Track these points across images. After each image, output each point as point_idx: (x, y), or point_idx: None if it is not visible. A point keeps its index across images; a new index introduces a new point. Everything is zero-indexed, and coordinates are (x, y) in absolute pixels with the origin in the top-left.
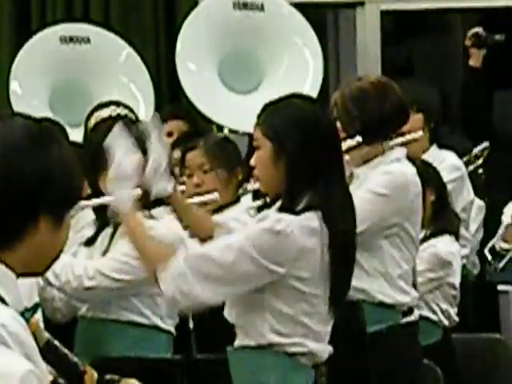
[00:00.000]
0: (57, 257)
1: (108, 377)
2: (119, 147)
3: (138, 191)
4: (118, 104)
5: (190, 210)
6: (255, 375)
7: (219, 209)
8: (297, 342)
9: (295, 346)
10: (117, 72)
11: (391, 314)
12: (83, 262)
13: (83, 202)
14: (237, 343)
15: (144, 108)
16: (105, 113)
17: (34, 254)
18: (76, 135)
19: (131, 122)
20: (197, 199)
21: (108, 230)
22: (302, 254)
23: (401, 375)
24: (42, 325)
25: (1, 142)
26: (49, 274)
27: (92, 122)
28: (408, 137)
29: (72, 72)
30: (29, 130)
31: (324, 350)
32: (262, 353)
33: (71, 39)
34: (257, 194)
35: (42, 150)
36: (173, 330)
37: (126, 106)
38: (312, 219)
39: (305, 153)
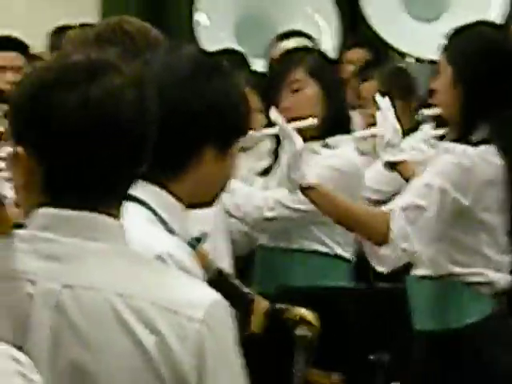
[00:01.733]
0: (224, 187)
1: (279, 306)
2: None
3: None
4: (301, 34)
5: None
6: (434, 305)
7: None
8: (476, 272)
9: (475, 275)
10: (301, 2)
11: None
12: (263, 193)
13: (255, 132)
14: (416, 272)
15: (328, 37)
16: (290, 43)
17: (199, 185)
18: (260, 66)
19: (312, 52)
20: (293, 124)
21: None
22: (485, 187)
23: None
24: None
25: (168, 72)
26: (230, 205)
27: (276, 53)
28: None
29: (257, 3)
30: (195, 61)
31: (504, 279)
32: (442, 282)
33: None
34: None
35: (207, 81)
36: (352, 257)
37: (309, 37)
38: (491, 153)
39: (483, 82)
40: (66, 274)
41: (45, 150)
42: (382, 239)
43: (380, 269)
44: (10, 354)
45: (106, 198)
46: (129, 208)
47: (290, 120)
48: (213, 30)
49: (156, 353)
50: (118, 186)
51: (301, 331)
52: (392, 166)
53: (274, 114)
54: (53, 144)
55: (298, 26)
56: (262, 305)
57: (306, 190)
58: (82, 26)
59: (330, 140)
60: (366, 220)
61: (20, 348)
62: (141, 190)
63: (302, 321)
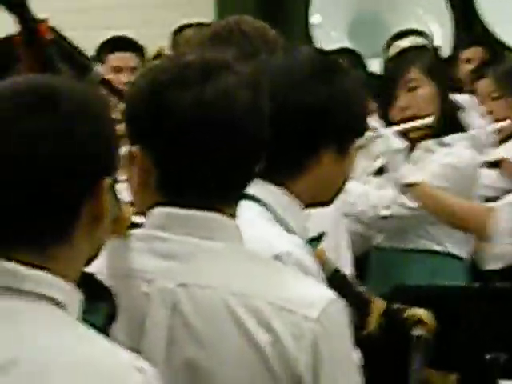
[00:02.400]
0: (342, 186)
1: (395, 306)
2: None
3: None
4: (417, 33)
5: None
6: None
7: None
8: None
9: None
10: (413, 2)
11: None
12: (378, 191)
13: (371, 133)
14: None
15: (440, 37)
16: (405, 43)
17: (318, 185)
18: (374, 66)
19: (427, 51)
20: (410, 123)
21: None
22: None
23: None
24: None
25: (286, 72)
26: (344, 204)
27: (391, 51)
28: None
29: (370, 4)
30: (314, 62)
31: None
32: None
33: None
34: None
35: (326, 82)
36: (468, 256)
37: (425, 35)
38: None
39: None
40: (182, 273)
41: (159, 149)
42: (480, 234)
43: (486, 267)
44: (135, 364)
45: (222, 197)
46: (247, 206)
47: (406, 119)
48: (326, 30)
49: (271, 351)
50: (232, 186)
51: (418, 331)
52: (492, 165)
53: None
54: (167, 144)
55: (410, 27)
56: (379, 305)
57: (407, 188)
58: (199, 25)
59: (445, 138)
60: (464, 215)
61: (137, 351)
62: (260, 188)
63: (419, 321)
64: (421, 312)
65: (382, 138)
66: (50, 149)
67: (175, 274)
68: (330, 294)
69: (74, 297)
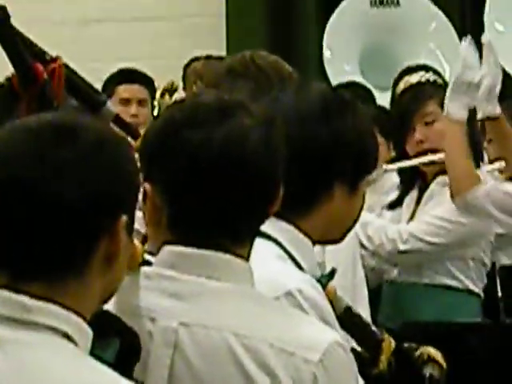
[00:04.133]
0: (353, 224)
1: (406, 345)
2: (468, 56)
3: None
4: (427, 69)
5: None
6: None
7: None
8: None
9: None
10: (425, 37)
11: None
12: (396, 225)
13: (388, 166)
14: None
15: (449, 74)
16: (414, 78)
17: (329, 222)
18: (383, 99)
19: (439, 87)
20: (426, 157)
21: (413, 194)
22: None
23: None
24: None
25: (298, 109)
26: (362, 237)
27: (401, 86)
28: None
29: (381, 35)
30: (324, 98)
31: None
32: None
33: (381, 2)
34: None
35: (336, 118)
36: (481, 293)
37: (435, 71)
38: None
39: None
40: (185, 313)
41: (169, 187)
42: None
43: None
44: None
45: (233, 237)
46: (259, 243)
47: (422, 152)
48: (339, 64)
49: None
50: (244, 226)
51: (429, 370)
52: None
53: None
54: (177, 182)
55: (421, 61)
56: (390, 343)
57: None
58: (208, 57)
59: None
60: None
61: None
62: (270, 226)
63: (430, 360)
64: (431, 350)
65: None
66: (67, 184)
67: (179, 313)
68: (333, 336)
69: (83, 331)
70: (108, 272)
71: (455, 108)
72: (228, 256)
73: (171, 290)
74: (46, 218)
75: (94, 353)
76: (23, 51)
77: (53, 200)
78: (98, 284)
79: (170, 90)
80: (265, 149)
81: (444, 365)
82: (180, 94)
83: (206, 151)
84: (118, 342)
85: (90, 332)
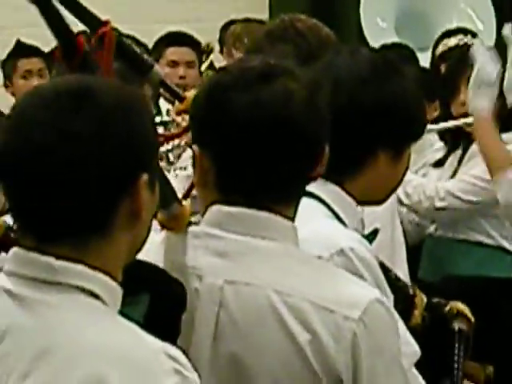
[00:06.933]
0: (397, 186)
1: (435, 300)
2: (482, 55)
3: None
4: (465, 32)
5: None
6: None
7: None
8: None
9: None
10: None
11: None
12: (434, 183)
13: (429, 126)
14: None
15: (484, 34)
16: (452, 41)
17: (374, 185)
18: (421, 60)
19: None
20: (470, 119)
21: (457, 153)
22: None
23: None
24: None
25: (348, 74)
26: (400, 194)
27: (440, 49)
28: None
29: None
30: (373, 63)
31: None
32: None
33: None
34: None
35: (385, 85)
36: None
37: (473, 34)
38: None
39: None
40: (230, 271)
41: (217, 149)
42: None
43: None
44: (166, 351)
45: (278, 197)
46: (308, 203)
47: (466, 114)
48: (376, 26)
49: (309, 350)
50: (289, 186)
51: (458, 324)
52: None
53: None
54: (224, 143)
55: (453, 20)
56: (422, 299)
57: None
58: (247, 20)
59: (502, 136)
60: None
61: (182, 350)
62: (318, 187)
63: (459, 314)
64: (460, 305)
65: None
66: (85, 147)
67: (224, 271)
68: (373, 293)
69: (110, 288)
70: (132, 229)
71: (480, 103)
72: (273, 216)
73: (217, 249)
74: (66, 180)
75: (124, 309)
76: (65, 24)
77: (71, 163)
78: (124, 241)
79: (206, 50)
80: (309, 110)
81: (472, 319)
82: (216, 56)
83: (251, 113)
84: (148, 298)
85: (118, 289)
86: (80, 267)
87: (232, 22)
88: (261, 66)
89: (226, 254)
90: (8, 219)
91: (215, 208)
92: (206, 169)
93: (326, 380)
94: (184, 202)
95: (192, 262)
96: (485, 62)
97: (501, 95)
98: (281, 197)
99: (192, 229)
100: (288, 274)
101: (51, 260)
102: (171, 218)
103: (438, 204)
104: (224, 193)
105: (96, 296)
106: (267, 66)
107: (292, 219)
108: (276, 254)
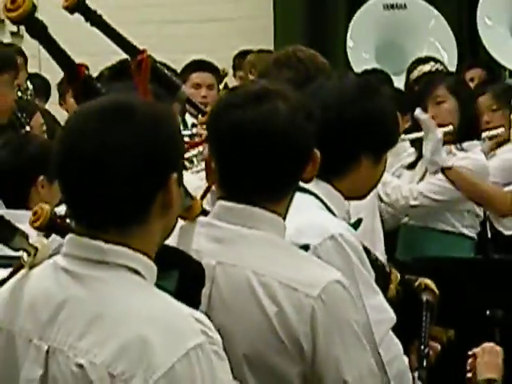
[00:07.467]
0: (376, 184)
1: (407, 276)
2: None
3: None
4: (434, 60)
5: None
6: None
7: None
8: None
9: None
10: (426, 32)
11: None
12: (409, 185)
13: (403, 136)
14: None
15: (448, 62)
16: (426, 67)
17: (357, 184)
18: (397, 82)
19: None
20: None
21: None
22: None
23: None
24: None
25: (337, 93)
26: (381, 194)
27: (415, 73)
28: None
29: (392, 31)
30: (358, 85)
31: None
32: None
33: (392, 6)
34: None
35: (369, 102)
36: (475, 236)
37: (441, 62)
38: None
39: None
40: (222, 254)
41: (218, 153)
42: (503, 211)
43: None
44: (194, 315)
45: (269, 195)
46: (303, 197)
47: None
48: (359, 53)
49: (276, 321)
50: (278, 187)
51: (426, 296)
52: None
53: (418, 111)
54: (222, 151)
55: (423, 50)
56: (396, 275)
57: (446, 170)
58: (260, 51)
59: (463, 144)
60: (491, 194)
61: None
62: (313, 184)
63: (427, 288)
64: (427, 281)
65: (428, 129)
66: (128, 155)
67: (218, 253)
68: (334, 275)
69: (148, 266)
70: (165, 217)
71: (441, 157)
72: (262, 210)
73: (215, 236)
74: (111, 181)
75: (158, 283)
76: (65, 53)
77: (118, 168)
78: (158, 228)
79: (222, 75)
80: (292, 126)
81: (437, 292)
82: (230, 79)
83: (244, 126)
84: (177, 273)
85: (154, 267)
86: (124, 249)
87: (242, 53)
88: (258, 89)
89: (222, 240)
90: (60, 210)
91: (218, 203)
92: (214, 170)
93: (291, 347)
94: (196, 196)
95: (196, 246)
96: (431, 126)
97: (460, 106)
98: (271, 195)
99: (200, 219)
100: (266, 258)
101: (101, 243)
102: (184, 210)
103: (412, 202)
104: (225, 190)
105: (137, 272)
106: (264, 89)
107: (282, 214)
108: (259, 242)
